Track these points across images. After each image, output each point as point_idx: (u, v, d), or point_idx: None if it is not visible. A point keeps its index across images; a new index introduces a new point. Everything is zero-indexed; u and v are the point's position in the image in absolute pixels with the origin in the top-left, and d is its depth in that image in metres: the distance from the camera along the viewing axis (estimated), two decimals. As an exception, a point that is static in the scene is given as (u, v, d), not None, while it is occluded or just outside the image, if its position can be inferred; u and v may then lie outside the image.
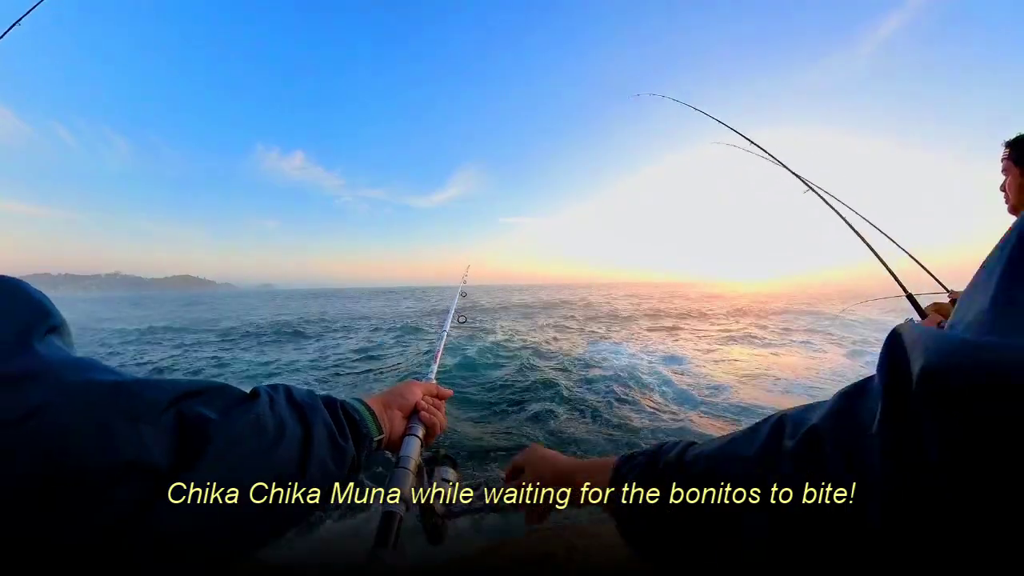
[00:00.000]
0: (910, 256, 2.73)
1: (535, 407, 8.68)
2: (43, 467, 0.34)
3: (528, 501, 0.78)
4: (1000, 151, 2.08)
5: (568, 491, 0.74)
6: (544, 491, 0.76)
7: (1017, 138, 2.02)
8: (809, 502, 0.36)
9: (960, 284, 2.63)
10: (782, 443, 0.42)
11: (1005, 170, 2.06)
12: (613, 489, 0.63)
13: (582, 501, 0.71)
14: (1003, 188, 2.09)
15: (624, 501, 0.59)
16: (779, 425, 0.45)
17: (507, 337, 19.13)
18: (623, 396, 9.56)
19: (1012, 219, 1.74)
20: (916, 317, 2.46)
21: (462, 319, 1.82)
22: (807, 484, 0.37)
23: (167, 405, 0.45)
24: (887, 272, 2.69)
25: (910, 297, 2.56)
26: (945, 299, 2.55)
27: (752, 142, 3.27)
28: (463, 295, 2.01)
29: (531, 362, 13.04)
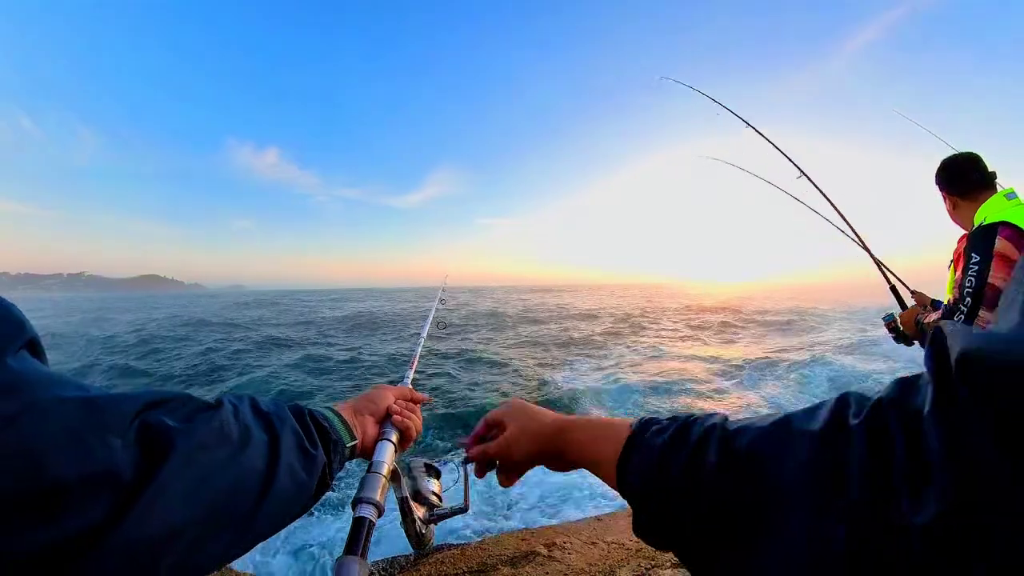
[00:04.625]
0: (874, 259, 2.89)
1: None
2: (13, 479, 0.34)
3: (505, 457, 0.73)
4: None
5: (564, 447, 0.66)
6: (530, 447, 0.69)
7: (939, 166, 2.25)
8: (873, 485, 0.34)
9: (922, 286, 2.82)
10: (848, 420, 0.39)
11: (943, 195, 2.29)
12: (631, 451, 0.54)
13: (582, 460, 0.63)
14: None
15: (647, 466, 0.51)
16: (842, 403, 0.42)
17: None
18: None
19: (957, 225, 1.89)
20: (897, 308, 2.64)
21: (441, 326, 1.80)
22: (875, 465, 0.35)
23: (134, 417, 0.46)
24: (866, 271, 2.85)
25: (893, 289, 2.73)
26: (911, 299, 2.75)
27: (747, 123, 3.28)
28: (442, 301, 2.00)
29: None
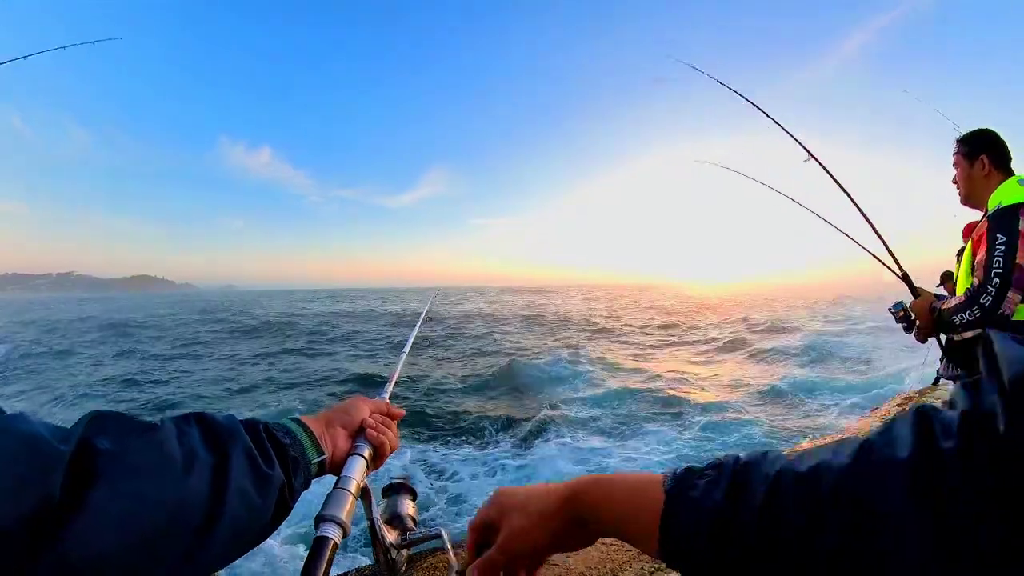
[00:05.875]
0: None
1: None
2: None
3: (514, 557, 0.56)
4: (952, 148, 2.33)
5: (580, 524, 0.52)
6: (535, 538, 0.54)
7: (965, 135, 2.29)
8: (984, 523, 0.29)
9: (921, 279, 2.80)
10: (936, 443, 0.34)
11: (955, 164, 2.31)
12: (675, 508, 0.44)
13: (609, 524, 0.50)
14: (955, 181, 2.34)
15: (705, 521, 0.41)
16: (923, 422, 0.36)
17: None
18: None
19: (965, 210, 1.97)
20: (909, 297, 2.59)
21: (426, 343, 1.76)
22: (980, 497, 0.30)
23: (74, 444, 0.44)
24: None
25: (905, 277, 2.68)
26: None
27: (754, 104, 3.18)
28: (428, 319, 1.99)
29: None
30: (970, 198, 2.26)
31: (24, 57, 3.22)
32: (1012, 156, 2.18)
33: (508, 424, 9.64)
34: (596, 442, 8.46)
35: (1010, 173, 2.14)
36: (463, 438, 8.99)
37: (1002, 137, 2.21)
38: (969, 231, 2.28)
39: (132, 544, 0.44)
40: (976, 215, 2.25)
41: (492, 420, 9.87)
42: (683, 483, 0.45)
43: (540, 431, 9.08)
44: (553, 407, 10.61)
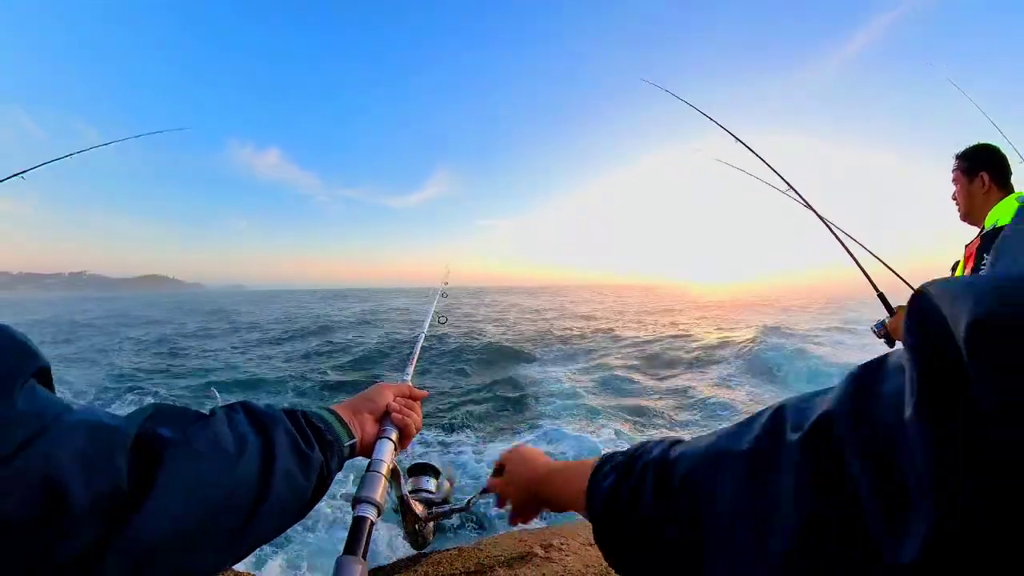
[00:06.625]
0: (877, 259, 2.86)
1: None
2: (30, 505, 0.37)
3: (507, 502, 0.78)
4: (951, 163, 2.31)
5: (545, 494, 0.70)
6: (522, 493, 0.75)
7: (965, 151, 2.26)
8: (818, 511, 0.28)
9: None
10: (784, 436, 0.32)
11: (955, 180, 2.29)
12: (589, 493, 0.54)
13: (560, 504, 0.66)
14: (954, 197, 2.32)
15: (599, 506, 0.51)
16: (778, 415, 0.35)
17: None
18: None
19: (965, 226, 1.94)
20: (886, 316, 2.56)
21: (442, 320, 1.79)
22: (817, 486, 0.28)
23: (136, 432, 0.48)
24: (854, 274, 2.84)
25: (881, 296, 2.64)
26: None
27: (735, 136, 3.29)
28: (444, 295, 1.98)
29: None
30: (969, 215, 2.24)
31: (136, 137, 4.45)
32: (1012, 171, 2.15)
33: (482, 415, 9.80)
34: (567, 433, 8.47)
35: (1010, 190, 2.12)
36: (431, 421, 9.07)
37: (1002, 152, 2.18)
38: None
39: (194, 523, 0.48)
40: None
41: (466, 410, 10.00)
42: (599, 467, 0.54)
43: (516, 422, 9.26)
44: (532, 402, 10.76)
